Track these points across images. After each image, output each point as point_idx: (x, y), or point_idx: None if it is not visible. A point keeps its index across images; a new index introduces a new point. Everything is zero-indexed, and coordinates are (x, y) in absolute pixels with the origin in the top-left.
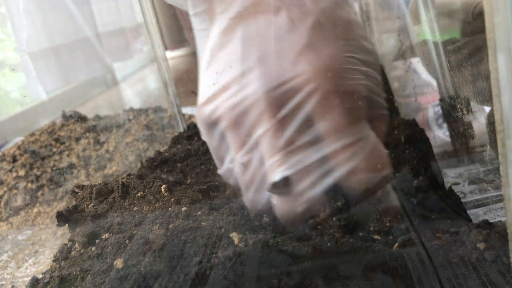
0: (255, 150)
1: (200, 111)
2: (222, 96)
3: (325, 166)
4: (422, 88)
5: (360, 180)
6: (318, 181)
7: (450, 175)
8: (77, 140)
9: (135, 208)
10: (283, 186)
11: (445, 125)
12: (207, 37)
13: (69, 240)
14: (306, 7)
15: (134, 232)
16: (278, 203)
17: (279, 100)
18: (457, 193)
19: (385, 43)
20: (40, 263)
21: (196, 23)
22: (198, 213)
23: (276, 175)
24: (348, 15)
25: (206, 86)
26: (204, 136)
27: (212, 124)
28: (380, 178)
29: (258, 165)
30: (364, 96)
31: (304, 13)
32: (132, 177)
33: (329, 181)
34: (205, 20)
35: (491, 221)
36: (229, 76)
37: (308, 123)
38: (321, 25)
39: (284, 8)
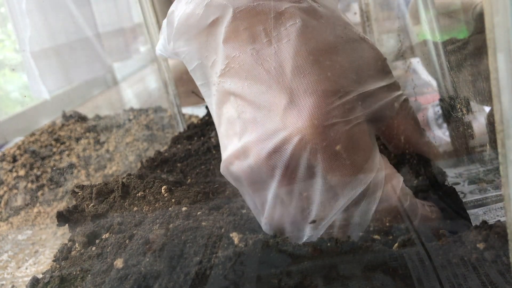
0: (275, 211)
1: (222, 170)
2: (233, 160)
3: (349, 216)
4: (422, 88)
5: (389, 217)
6: (346, 230)
7: (450, 175)
8: (77, 140)
9: (135, 208)
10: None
11: (445, 125)
12: (207, 92)
13: (69, 240)
14: (281, 54)
15: (134, 232)
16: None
17: (276, 161)
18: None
19: (385, 43)
20: (40, 263)
21: (195, 79)
22: (198, 213)
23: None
24: (332, 39)
25: (222, 148)
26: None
27: (237, 179)
28: (407, 205)
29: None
30: (367, 128)
31: (280, 62)
32: (132, 177)
33: (357, 231)
34: (200, 76)
35: (490, 221)
36: (233, 139)
37: (314, 179)
38: (300, 70)
39: (261, 62)
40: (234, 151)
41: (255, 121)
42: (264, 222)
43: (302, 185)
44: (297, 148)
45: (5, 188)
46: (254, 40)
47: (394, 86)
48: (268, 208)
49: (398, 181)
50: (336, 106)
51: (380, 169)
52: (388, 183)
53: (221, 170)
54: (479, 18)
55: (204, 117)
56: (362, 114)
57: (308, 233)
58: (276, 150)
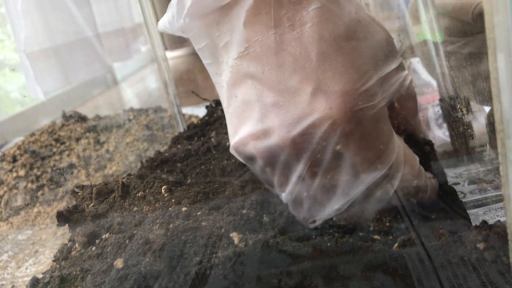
0: (297, 187)
1: (234, 149)
2: (249, 140)
3: (371, 196)
4: (422, 88)
5: (409, 196)
6: (366, 209)
7: (450, 175)
8: (77, 140)
9: (135, 208)
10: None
11: (444, 125)
12: (215, 70)
13: (69, 240)
14: (305, 40)
15: (134, 232)
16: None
17: (302, 145)
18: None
19: None
20: (40, 263)
21: (202, 58)
22: (198, 213)
23: (318, 221)
24: (351, 23)
25: (231, 127)
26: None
27: (249, 158)
28: (424, 182)
29: (304, 200)
30: (387, 111)
31: (305, 48)
32: (132, 177)
33: (376, 208)
34: (209, 55)
35: (490, 221)
36: (248, 121)
37: (340, 161)
38: (325, 56)
39: (284, 46)
40: (252, 132)
41: (278, 105)
42: (286, 196)
43: (328, 166)
44: (327, 133)
45: (5, 188)
46: (276, 24)
47: (401, 66)
48: (291, 185)
49: (415, 160)
50: (362, 91)
51: (400, 149)
52: (407, 162)
53: (231, 149)
54: (479, 18)
55: (204, 117)
56: (383, 98)
57: (334, 208)
58: (303, 134)
